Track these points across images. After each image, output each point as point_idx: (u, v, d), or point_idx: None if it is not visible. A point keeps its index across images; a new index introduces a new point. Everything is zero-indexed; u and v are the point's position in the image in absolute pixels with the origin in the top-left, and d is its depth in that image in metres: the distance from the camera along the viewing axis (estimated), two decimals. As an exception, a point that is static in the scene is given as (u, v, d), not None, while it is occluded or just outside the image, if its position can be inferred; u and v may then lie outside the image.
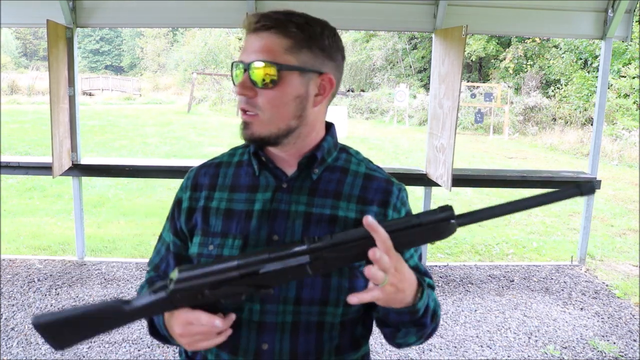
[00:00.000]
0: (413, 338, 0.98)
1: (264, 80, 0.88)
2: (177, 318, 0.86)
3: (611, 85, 13.46)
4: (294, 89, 0.90)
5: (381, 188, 0.99)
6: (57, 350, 0.88)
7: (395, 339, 0.99)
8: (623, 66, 13.69)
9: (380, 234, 0.76)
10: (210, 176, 1.02)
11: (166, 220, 1.07)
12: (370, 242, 0.77)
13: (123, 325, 0.88)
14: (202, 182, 1.02)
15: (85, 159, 4.10)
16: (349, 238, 0.79)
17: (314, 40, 0.90)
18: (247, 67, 0.88)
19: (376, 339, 2.93)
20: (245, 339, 0.94)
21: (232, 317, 0.86)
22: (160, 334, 0.97)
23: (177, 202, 1.04)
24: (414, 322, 0.91)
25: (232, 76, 0.93)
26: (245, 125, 0.92)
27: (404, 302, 0.84)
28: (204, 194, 1.00)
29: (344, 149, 1.04)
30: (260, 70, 0.87)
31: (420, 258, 1.03)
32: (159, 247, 1.08)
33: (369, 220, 0.76)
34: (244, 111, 0.91)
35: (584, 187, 0.73)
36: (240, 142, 1.01)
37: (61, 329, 0.85)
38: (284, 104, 0.90)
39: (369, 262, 0.77)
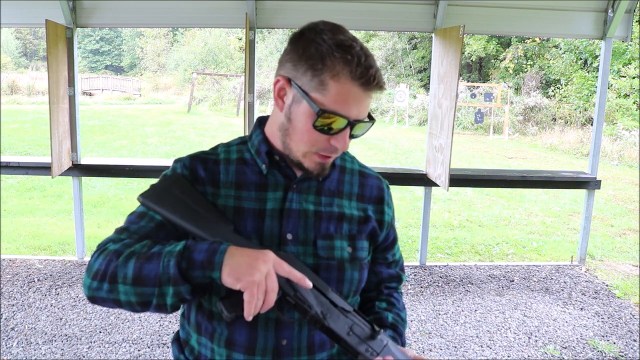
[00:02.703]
0: None
1: (360, 131, 0.93)
2: (265, 257, 0.83)
3: (611, 85, 13.46)
4: None
5: (375, 185, 1.09)
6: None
7: None
8: (623, 66, 13.69)
9: None
10: (210, 172, 0.99)
11: None
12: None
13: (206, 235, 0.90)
14: (201, 176, 0.99)
15: (85, 159, 4.10)
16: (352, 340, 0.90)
17: None
18: (353, 123, 0.90)
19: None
20: (263, 337, 0.95)
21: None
22: (194, 261, 0.83)
23: None
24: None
25: (325, 125, 0.88)
26: (323, 167, 0.96)
27: None
28: (209, 189, 0.98)
29: None
30: (365, 127, 0.93)
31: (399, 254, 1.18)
32: (143, 224, 0.95)
33: None
34: (328, 157, 0.94)
35: None
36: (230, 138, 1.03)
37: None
38: None
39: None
